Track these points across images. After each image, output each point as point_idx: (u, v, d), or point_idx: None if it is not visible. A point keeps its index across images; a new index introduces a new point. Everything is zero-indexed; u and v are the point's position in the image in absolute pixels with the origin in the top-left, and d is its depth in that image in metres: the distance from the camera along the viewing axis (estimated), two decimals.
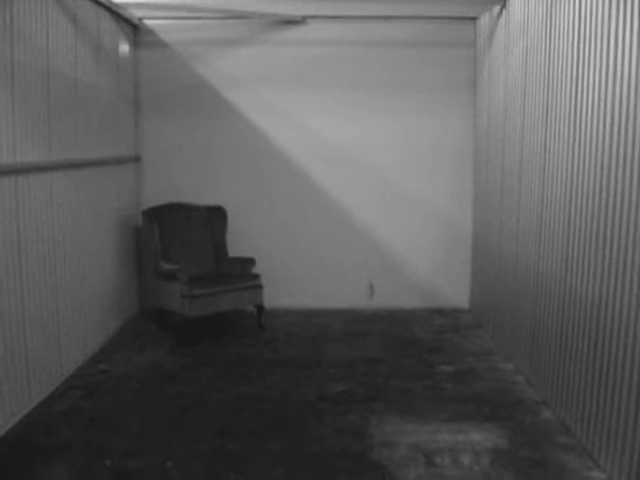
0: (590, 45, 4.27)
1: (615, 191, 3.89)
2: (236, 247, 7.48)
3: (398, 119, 7.55)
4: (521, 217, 5.68)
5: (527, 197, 5.54)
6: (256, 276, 6.86)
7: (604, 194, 4.04)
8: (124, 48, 7.06)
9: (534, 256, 5.34)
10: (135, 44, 7.39)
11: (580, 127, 4.43)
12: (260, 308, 6.91)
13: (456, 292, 7.82)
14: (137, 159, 7.50)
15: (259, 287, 6.83)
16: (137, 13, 7.10)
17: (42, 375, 5.11)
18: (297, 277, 7.76)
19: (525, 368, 5.58)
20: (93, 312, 6.18)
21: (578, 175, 4.46)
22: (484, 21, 7.01)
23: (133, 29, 7.32)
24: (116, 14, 6.68)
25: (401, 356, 6.15)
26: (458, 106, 7.53)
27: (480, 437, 4.52)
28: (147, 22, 7.36)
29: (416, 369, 5.82)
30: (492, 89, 6.68)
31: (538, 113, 5.26)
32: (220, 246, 7.29)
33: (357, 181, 7.64)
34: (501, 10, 6.33)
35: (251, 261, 7.02)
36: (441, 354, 6.21)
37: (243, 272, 6.95)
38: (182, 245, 7.05)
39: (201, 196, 7.47)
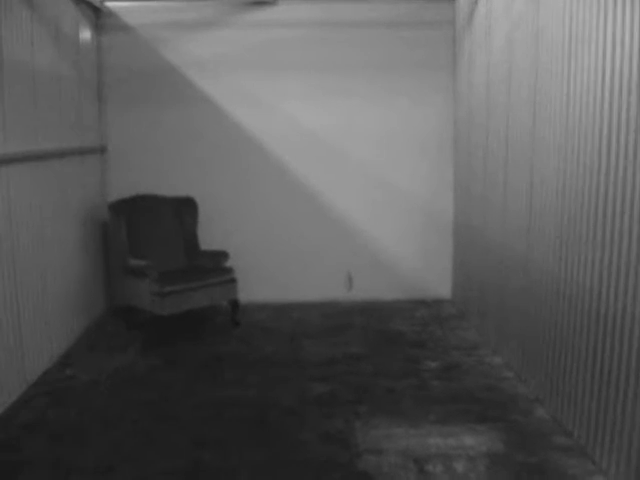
0: (584, 22, 3.99)
1: (610, 176, 3.62)
2: (208, 240, 7.16)
3: (375, 103, 7.26)
4: (508, 205, 5.42)
5: (514, 184, 5.27)
6: (229, 270, 6.55)
7: (598, 179, 3.77)
8: (85, 32, 6.69)
9: (522, 245, 5.09)
10: (97, 28, 7.02)
11: (574, 110, 4.16)
12: (234, 303, 6.60)
13: (438, 282, 7.57)
14: (102, 150, 7.14)
15: (233, 282, 6.53)
16: None
17: (2, 383, 4.76)
18: (272, 270, 7.46)
19: (514, 362, 5.33)
20: (57, 312, 5.84)
21: (571, 160, 4.19)
22: None
23: (95, 12, 6.93)
24: None
25: (384, 352, 5.88)
26: (437, 90, 7.26)
27: (473, 440, 4.26)
28: (109, 4, 6.97)
29: (400, 366, 5.55)
30: (473, 72, 6.40)
31: (525, 96, 4.99)
32: (191, 239, 6.95)
33: (334, 169, 7.35)
34: None
35: (224, 254, 6.70)
36: (425, 348, 5.95)
37: (216, 266, 6.63)
38: (151, 239, 6.71)
39: (170, 187, 7.14)
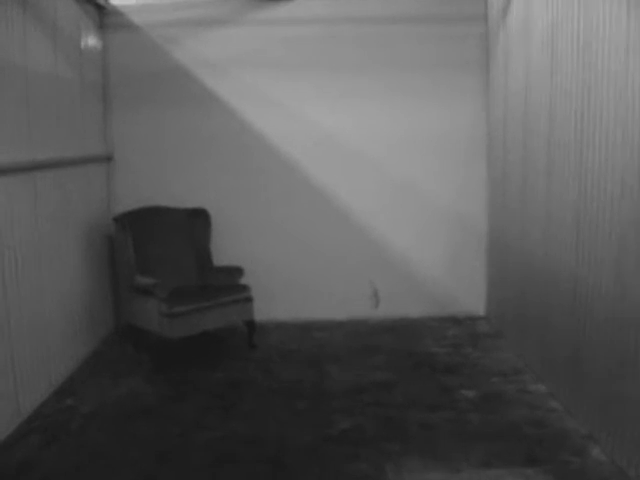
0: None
1: None
2: (221, 254, 6.64)
3: (400, 105, 6.73)
4: (552, 215, 4.85)
5: (559, 193, 4.71)
6: (245, 288, 6.02)
7: None
8: (88, 32, 6.20)
9: (570, 260, 4.51)
10: (101, 27, 6.53)
11: (634, 109, 3.59)
12: (251, 324, 6.08)
13: (470, 297, 7.00)
14: (108, 158, 6.65)
15: (249, 300, 6.00)
16: None
17: None
18: (291, 286, 6.93)
19: (561, 392, 4.76)
20: (58, 335, 5.35)
21: (632, 166, 3.63)
22: None
23: (98, 10, 6.45)
24: None
25: (414, 378, 5.33)
26: (468, 89, 6.71)
27: None
28: (114, 2, 6.49)
29: (433, 395, 5.00)
30: (510, 69, 5.85)
31: (572, 95, 4.42)
32: (203, 254, 6.44)
33: (356, 175, 6.82)
34: None
35: (238, 270, 6.18)
36: (460, 374, 5.39)
37: (230, 284, 6.10)
38: (160, 255, 6.19)
39: (181, 198, 6.64)
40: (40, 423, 4.66)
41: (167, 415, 4.78)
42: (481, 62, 6.64)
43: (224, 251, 6.66)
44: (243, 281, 6.18)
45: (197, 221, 6.46)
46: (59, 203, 5.42)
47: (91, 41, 6.27)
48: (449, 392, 5.04)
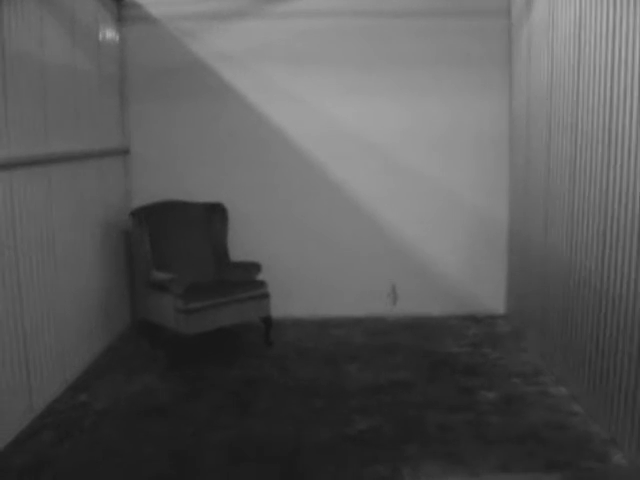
0: None
1: None
2: (237, 249, 6.56)
3: (420, 101, 6.61)
4: (577, 211, 4.73)
5: (585, 187, 4.58)
6: (262, 284, 5.94)
7: None
8: (106, 25, 6.14)
9: (596, 264, 4.39)
10: (119, 20, 6.46)
11: None
12: (267, 321, 6.00)
13: (490, 296, 6.88)
14: (125, 152, 6.59)
15: (266, 297, 5.92)
16: None
17: (3, 414, 4.21)
18: (308, 282, 6.85)
19: (584, 394, 4.64)
20: (73, 331, 5.31)
21: None
22: None
23: (116, 3, 6.38)
24: None
25: (434, 379, 5.23)
26: (490, 85, 6.58)
27: None
28: None
29: (453, 396, 4.90)
30: (534, 65, 5.72)
31: (599, 90, 4.30)
32: (220, 250, 6.37)
33: (377, 172, 6.72)
34: None
35: (256, 266, 6.10)
36: (480, 374, 5.29)
37: (247, 280, 6.03)
38: (177, 250, 6.13)
39: (198, 192, 6.58)
40: (53, 419, 4.61)
41: (181, 413, 4.71)
42: (503, 57, 6.51)
43: (241, 246, 6.59)
44: (260, 277, 6.10)
45: (214, 216, 6.39)
46: (75, 197, 5.37)
47: (109, 34, 6.21)
48: (469, 393, 4.94)
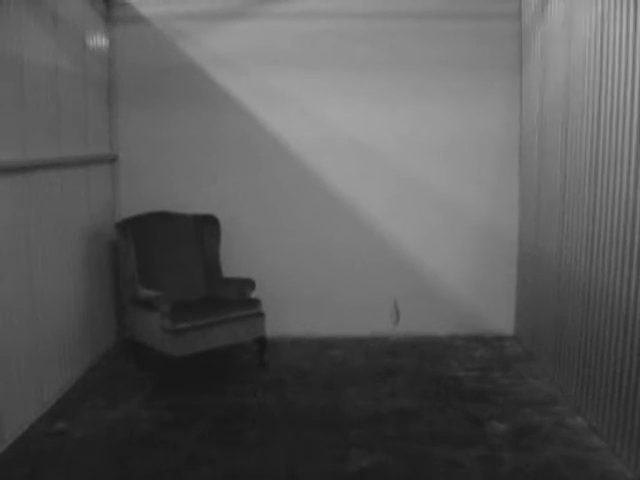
0: None
1: None
2: (231, 265, 6.16)
3: (426, 107, 6.25)
4: (598, 230, 4.34)
5: (608, 204, 4.20)
6: (256, 302, 5.56)
7: None
8: (93, 25, 5.77)
9: (620, 282, 4.00)
10: (108, 20, 6.10)
11: None
12: (262, 342, 5.61)
13: (498, 315, 6.50)
14: (112, 159, 6.22)
15: (260, 316, 5.54)
16: None
17: None
18: (306, 299, 6.47)
19: (604, 427, 4.25)
20: (52, 351, 4.93)
21: None
22: None
23: (105, 2, 6.03)
24: None
25: (440, 407, 4.84)
26: (499, 91, 6.24)
27: None
28: None
29: (462, 428, 4.50)
30: (548, 69, 5.36)
31: (623, 96, 3.92)
32: (212, 265, 5.98)
33: (379, 181, 6.36)
34: None
35: (250, 283, 5.70)
36: (490, 403, 4.90)
37: (240, 297, 5.64)
38: (165, 265, 5.75)
39: (189, 203, 6.21)
40: (25, 451, 4.21)
41: (165, 445, 4.32)
42: (513, 62, 6.17)
43: (233, 260, 6.20)
44: (254, 294, 5.71)
45: (205, 228, 6.01)
46: (56, 207, 4.99)
47: (96, 34, 5.85)
48: (479, 424, 4.54)
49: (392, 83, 6.21)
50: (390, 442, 4.30)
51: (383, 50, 6.18)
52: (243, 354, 5.94)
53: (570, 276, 4.87)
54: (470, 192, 6.35)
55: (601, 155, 4.28)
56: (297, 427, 4.54)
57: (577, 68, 4.68)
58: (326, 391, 5.16)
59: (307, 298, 6.45)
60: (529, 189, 5.96)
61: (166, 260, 5.75)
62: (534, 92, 5.74)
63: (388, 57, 6.17)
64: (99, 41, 5.91)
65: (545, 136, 5.45)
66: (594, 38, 4.35)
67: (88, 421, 4.65)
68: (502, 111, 6.25)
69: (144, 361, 5.62)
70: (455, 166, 6.32)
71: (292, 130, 6.26)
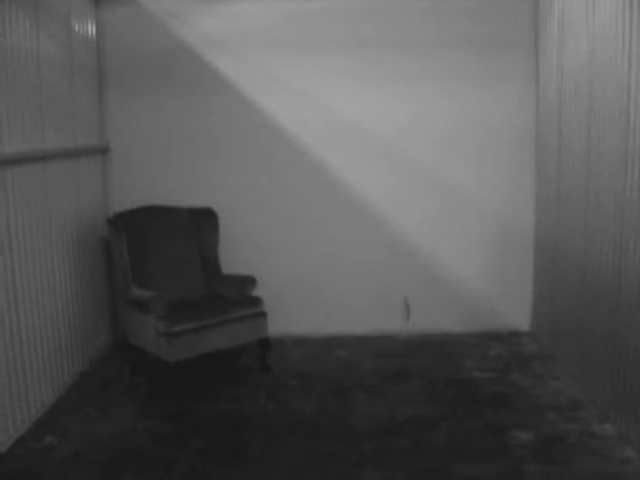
0: None
1: None
2: (231, 261, 5.80)
3: (436, 91, 5.91)
4: (628, 220, 3.98)
5: (638, 196, 3.83)
6: (258, 301, 5.22)
7: None
8: (78, 6, 5.38)
9: None
10: (95, 1, 5.71)
11: None
12: (264, 343, 5.26)
13: (513, 310, 6.15)
14: (103, 150, 5.86)
15: (262, 316, 5.19)
16: None
17: None
18: (310, 296, 6.12)
19: (636, 435, 3.90)
20: (40, 357, 4.58)
21: None
22: None
23: None
24: None
25: (457, 414, 4.49)
26: (513, 72, 5.89)
27: None
28: None
29: (481, 438, 4.16)
30: (568, 46, 4.98)
31: None
32: (210, 261, 5.62)
33: (386, 172, 6.01)
34: None
35: (251, 280, 5.35)
36: (510, 409, 4.56)
37: (241, 296, 5.29)
38: (160, 262, 5.38)
39: (186, 196, 5.84)
40: (9, 469, 3.88)
41: (158, 460, 3.97)
42: (528, 39, 5.80)
43: (233, 257, 5.84)
44: (256, 292, 5.36)
45: (203, 223, 5.65)
46: (41, 202, 4.63)
47: (82, 16, 5.47)
48: (499, 433, 4.20)
49: (397, 65, 5.85)
50: (403, 456, 3.95)
51: (388, 31, 5.81)
52: (244, 356, 5.59)
53: (596, 271, 4.50)
54: (483, 183, 6.01)
55: (631, 143, 3.91)
56: (303, 439, 4.20)
57: (602, 44, 4.30)
58: (334, 397, 4.81)
59: (311, 295, 6.11)
60: (547, 179, 5.60)
61: (161, 257, 5.39)
62: (552, 73, 5.36)
63: (393, 39, 5.80)
64: (86, 24, 5.54)
65: (566, 123, 5.08)
66: (622, 11, 3.97)
67: (78, 434, 4.32)
68: (516, 95, 5.89)
69: (139, 365, 5.27)
70: (466, 156, 5.97)
71: (295, 118, 5.90)
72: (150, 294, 4.84)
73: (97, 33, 5.75)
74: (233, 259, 5.81)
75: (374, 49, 5.82)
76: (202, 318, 4.90)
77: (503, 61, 5.84)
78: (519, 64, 5.83)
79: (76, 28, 5.33)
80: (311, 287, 6.11)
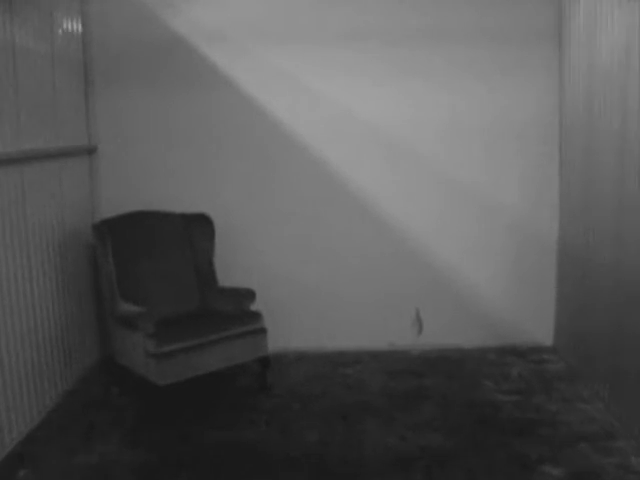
0: None
1: None
2: (228, 271, 5.35)
3: (452, 86, 5.46)
4: None
5: None
6: (257, 316, 4.78)
7: None
8: None
9: None
10: None
11: None
12: (264, 362, 4.82)
13: (534, 323, 5.69)
14: (90, 150, 5.42)
15: (261, 332, 4.75)
16: None
17: None
18: (314, 308, 5.67)
19: None
20: (15, 380, 4.12)
21: None
22: None
23: None
24: None
25: (478, 444, 4.04)
26: (534, 65, 5.43)
27: None
28: None
29: (507, 474, 3.71)
30: (597, 37, 4.51)
31: None
32: (205, 272, 5.17)
33: (396, 173, 5.57)
34: None
35: (249, 294, 4.90)
36: (537, 438, 4.09)
37: (238, 310, 4.84)
38: (150, 273, 4.94)
39: (179, 200, 5.40)
40: None
41: None
42: (553, 31, 5.32)
43: (230, 265, 5.39)
44: (254, 304, 4.90)
45: (197, 230, 5.20)
46: (16, 209, 4.18)
47: (66, 5, 5.02)
48: (526, 468, 3.74)
49: (410, 58, 5.40)
50: None
51: (401, 20, 5.36)
52: (242, 375, 5.12)
53: (631, 284, 4.03)
54: (501, 185, 5.56)
55: None
56: (305, 474, 3.76)
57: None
58: (340, 423, 4.35)
59: (314, 306, 5.66)
60: (573, 181, 5.14)
61: (151, 268, 4.94)
62: (579, 65, 4.90)
63: (408, 27, 5.35)
64: (70, 13, 5.10)
65: (594, 117, 4.62)
66: None
67: (56, 468, 3.88)
68: (536, 90, 5.43)
69: (128, 386, 4.82)
70: (483, 153, 5.53)
71: (297, 116, 5.46)
72: (138, 310, 4.40)
73: (83, 23, 5.31)
74: (229, 268, 5.35)
75: (387, 42, 5.36)
76: (195, 336, 4.45)
77: (523, 52, 5.39)
78: (540, 56, 5.38)
79: (58, 17, 4.89)
80: (314, 297, 5.67)
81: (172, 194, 5.41)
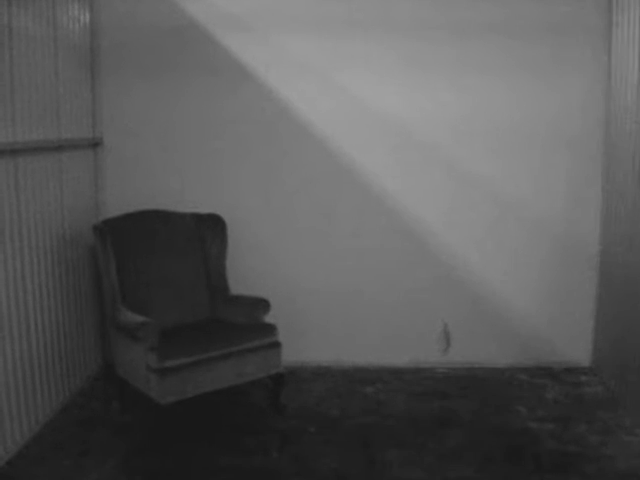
0: None
1: None
2: (240, 278, 4.96)
3: (488, 83, 5.05)
4: None
5: None
6: (271, 328, 4.38)
7: None
8: None
9: None
10: None
11: None
12: (278, 379, 4.41)
13: (570, 342, 5.28)
14: (95, 144, 5.05)
15: (276, 347, 4.34)
16: None
17: None
18: (332, 320, 5.28)
19: None
20: (5, 393, 3.74)
21: None
22: None
23: None
24: None
25: None
26: (579, 64, 5.00)
27: None
28: None
29: None
30: None
31: None
32: (216, 278, 4.77)
33: (424, 176, 5.17)
34: None
35: (263, 304, 4.48)
36: (578, 475, 3.66)
37: (251, 322, 4.44)
38: (156, 279, 4.53)
39: (189, 199, 5.05)
40: None
41: None
42: (601, 26, 4.89)
43: (242, 272, 5.02)
44: (269, 316, 4.50)
45: (208, 232, 4.80)
46: (10, 205, 3.80)
47: None
48: None
49: (438, 53, 5.01)
50: None
51: (429, 11, 4.97)
52: (253, 392, 4.73)
53: None
54: (537, 191, 5.16)
55: None
56: None
57: None
58: (359, 451, 3.95)
59: (333, 317, 5.28)
60: (618, 190, 4.71)
61: (157, 272, 4.54)
62: (630, 66, 4.47)
63: (440, 19, 4.95)
64: None
65: None
66: None
67: None
68: (581, 91, 5.02)
69: (129, 400, 4.44)
70: (518, 159, 5.12)
71: (321, 112, 5.07)
72: (140, 319, 4.00)
73: (92, 7, 4.93)
74: (241, 274, 4.98)
75: (415, 34, 4.98)
76: (202, 350, 4.05)
77: (568, 49, 4.98)
78: (587, 53, 4.97)
79: (63, 1, 4.50)
80: (333, 308, 5.27)
81: (180, 192, 5.05)
